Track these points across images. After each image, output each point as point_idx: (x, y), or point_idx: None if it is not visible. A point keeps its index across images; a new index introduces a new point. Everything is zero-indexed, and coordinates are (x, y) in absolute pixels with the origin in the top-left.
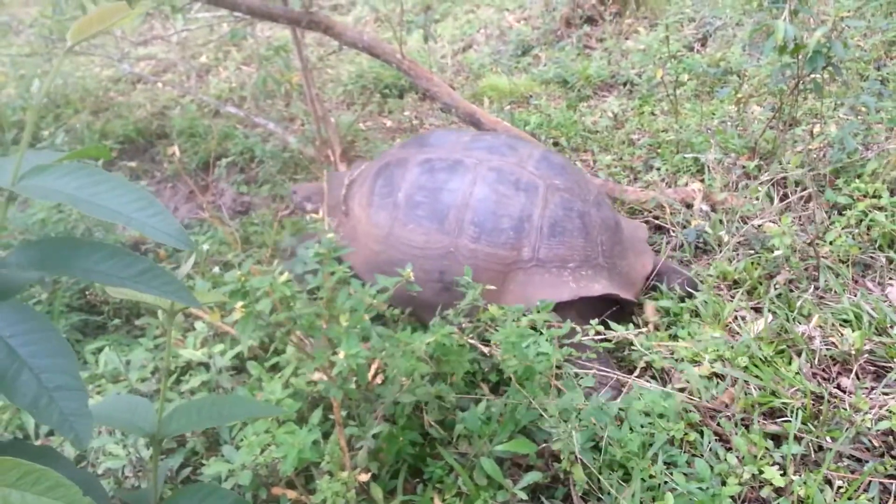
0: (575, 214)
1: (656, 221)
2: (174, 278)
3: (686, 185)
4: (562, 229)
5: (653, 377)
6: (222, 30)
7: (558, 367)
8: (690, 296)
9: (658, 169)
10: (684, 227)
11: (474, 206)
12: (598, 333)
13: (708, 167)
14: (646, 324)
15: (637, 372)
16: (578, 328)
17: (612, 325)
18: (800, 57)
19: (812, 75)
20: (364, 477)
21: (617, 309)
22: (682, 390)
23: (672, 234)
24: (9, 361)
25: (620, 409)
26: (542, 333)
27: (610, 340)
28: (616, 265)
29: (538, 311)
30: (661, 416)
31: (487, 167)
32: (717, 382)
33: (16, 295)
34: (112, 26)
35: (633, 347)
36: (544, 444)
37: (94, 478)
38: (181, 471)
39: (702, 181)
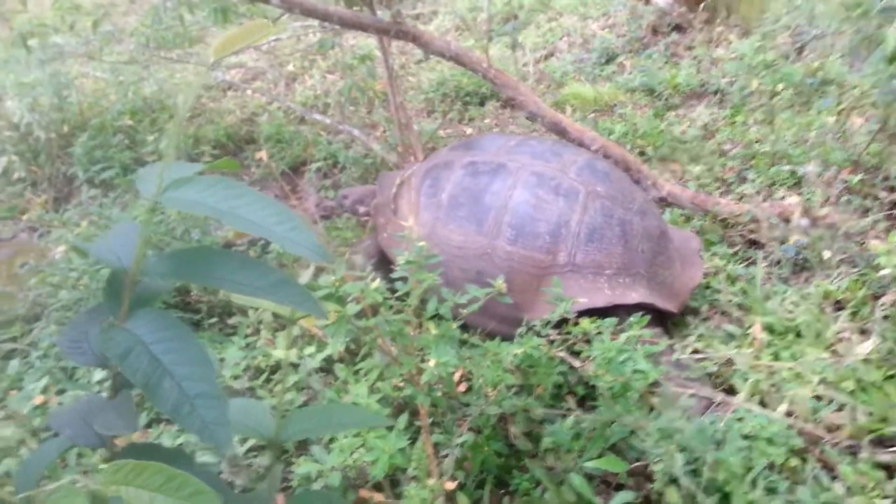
0: (615, 222)
1: (751, 236)
2: (305, 290)
3: (783, 198)
4: (600, 236)
5: (750, 397)
6: (309, 39)
7: (655, 385)
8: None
9: (752, 181)
10: (782, 243)
11: (513, 208)
12: (696, 352)
13: (807, 180)
14: (752, 342)
15: (743, 395)
16: (677, 346)
17: (714, 343)
18: None
19: None
20: (451, 485)
21: (656, 320)
22: (788, 414)
23: (769, 249)
24: (152, 368)
25: (718, 431)
26: (636, 350)
27: (710, 360)
28: (657, 275)
29: (631, 327)
30: (768, 440)
31: (529, 171)
32: (822, 406)
33: (154, 302)
34: (254, 43)
35: (733, 367)
36: (636, 463)
37: (226, 485)
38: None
39: (800, 195)
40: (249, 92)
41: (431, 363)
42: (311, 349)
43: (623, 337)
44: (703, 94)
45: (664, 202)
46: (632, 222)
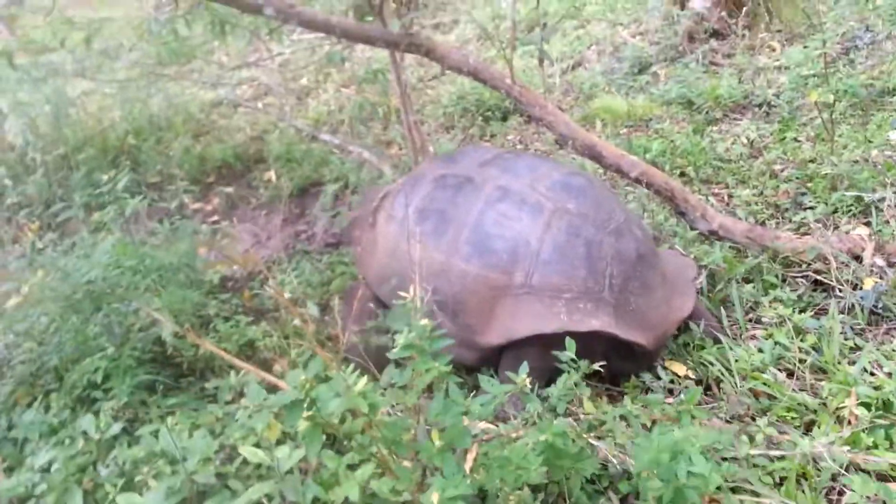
0: (580, 242)
1: (816, 276)
2: None
3: (848, 233)
4: (560, 256)
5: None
6: (324, 51)
7: (719, 489)
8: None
9: (812, 208)
10: (854, 287)
11: (471, 224)
12: (771, 443)
13: (876, 208)
14: (839, 420)
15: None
16: (746, 438)
17: (794, 435)
18: None
19: None
20: None
21: (630, 356)
22: None
23: (839, 293)
24: None
25: None
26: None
27: (785, 458)
28: (628, 302)
29: (688, 404)
30: None
31: (494, 185)
32: None
33: None
34: None
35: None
36: None
37: None
38: None
39: (868, 226)
40: (260, 105)
41: (435, 498)
42: (285, 450)
43: (678, 434)
44: (746, 107)
45: (715, 235)
46: (601, 243)
